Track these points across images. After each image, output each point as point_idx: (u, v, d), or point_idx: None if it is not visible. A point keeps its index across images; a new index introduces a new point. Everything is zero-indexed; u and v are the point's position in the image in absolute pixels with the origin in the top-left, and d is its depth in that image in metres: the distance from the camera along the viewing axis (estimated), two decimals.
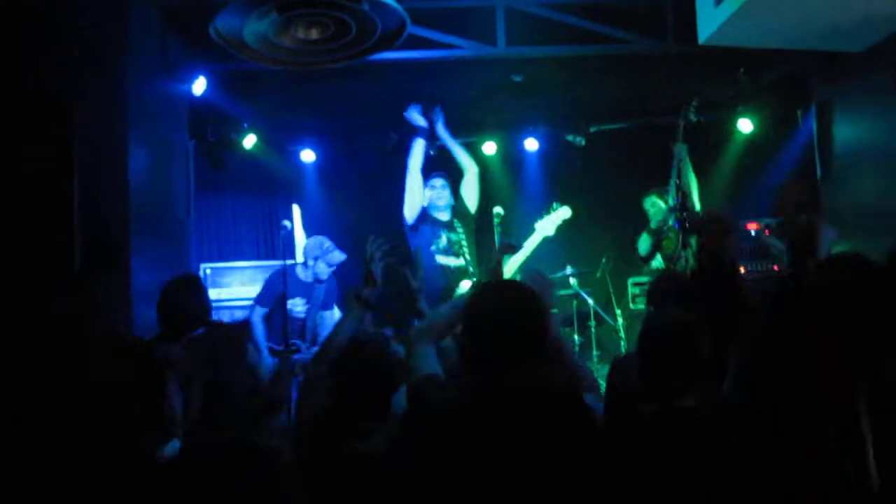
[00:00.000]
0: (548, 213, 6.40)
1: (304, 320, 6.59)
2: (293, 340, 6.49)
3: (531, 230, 6.39)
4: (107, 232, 5.02)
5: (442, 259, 6.36)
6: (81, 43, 5.01)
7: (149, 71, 5.65)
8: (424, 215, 6.44)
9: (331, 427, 2.83)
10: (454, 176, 6.60)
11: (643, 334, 2.82)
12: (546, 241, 6.43)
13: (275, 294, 6.49)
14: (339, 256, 6.48)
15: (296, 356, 6.16)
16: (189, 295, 4.23)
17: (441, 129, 6.66)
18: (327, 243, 6.57)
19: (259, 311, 6.49)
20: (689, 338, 2.70)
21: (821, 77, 6.24)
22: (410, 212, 6.41)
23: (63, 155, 4.90)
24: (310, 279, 6.58)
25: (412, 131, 6.62)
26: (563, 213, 6.37)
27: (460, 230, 6.46)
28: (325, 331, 6.42)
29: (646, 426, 2.59)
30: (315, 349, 6.27)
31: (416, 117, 6.56)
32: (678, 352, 2.67)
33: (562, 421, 2.29)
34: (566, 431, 2.27)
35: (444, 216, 6.48)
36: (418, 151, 6.44)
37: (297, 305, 6.57)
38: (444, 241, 6.39)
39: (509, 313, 2.38)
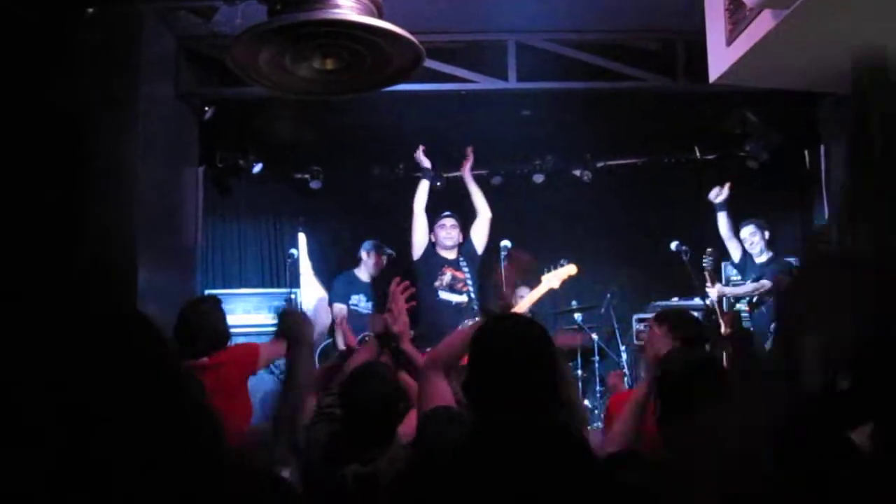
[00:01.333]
0: (556, 267, 6.61)
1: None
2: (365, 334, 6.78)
3: (537, 281, 6.58)
4: (114, 257, 5.03)
5: (445, 295, 6.49)
6: (95, 67, 5.05)
7: (161, 96, 5.69)
8: (430, 252, 6.60)
9: (338, 452, 2.85)
10: (464, 214, 6.70)
11: (662, 378, 2.76)
12: None
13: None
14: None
15: None
16: (209, 316, 4.22)
17: (467, 171, 6.91)
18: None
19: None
20: (711, 378, 2.66)
21: (830, 119, 6.26)
22: (416, 250, 6.59)
23: (72, 178, 4.92)
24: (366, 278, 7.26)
25: (418, 170, 6.90)
26: (570, 269, 6.61)
27: (465, 268, 6.62)
28: None
29: (658, 472, 2.54)
30: None
31: (422, 158, 6.70)
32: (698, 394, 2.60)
33: (568, 466, 2.27)
34: (572, 477, 2.25)
35: (451, 254, 6.66)
36: (423, 193, 6.64)
37: (361, 302, 7.13)
38: (448, 277, 6.52)
39: (517, 349, 2.34)
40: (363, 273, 7.45)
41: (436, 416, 2.48)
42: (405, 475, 2.66)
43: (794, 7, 3.97)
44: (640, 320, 7.62)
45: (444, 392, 2.59)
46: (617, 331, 7.99)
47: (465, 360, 2.89)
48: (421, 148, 6.86)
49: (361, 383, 2.94)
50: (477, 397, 2.36)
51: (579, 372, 7.78)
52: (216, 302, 4.22)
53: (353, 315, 7.05)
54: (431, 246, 6.62)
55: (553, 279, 6.61)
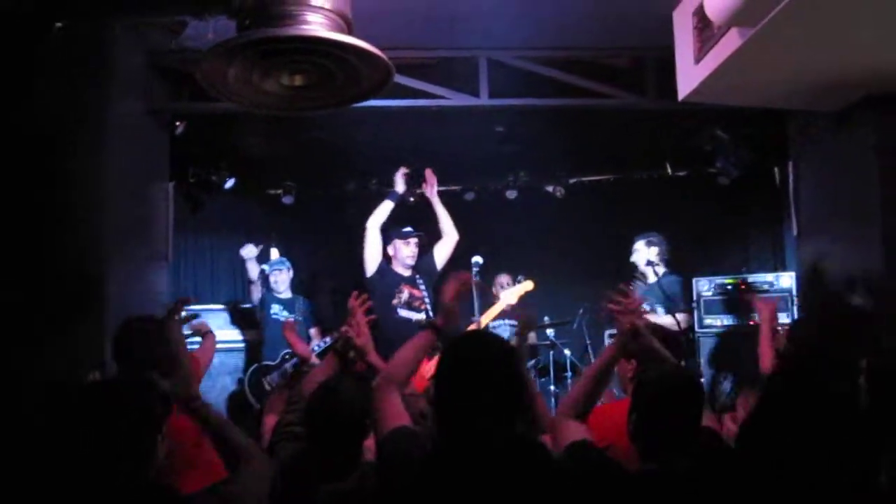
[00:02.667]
0: (512, 284, 7.02)
1: None
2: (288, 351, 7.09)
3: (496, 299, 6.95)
4: (83, 271, 4.98)
5: (404, 313, 6.40)
6: (64, 82, 5.02)
7: (131, 111, 5.66)
8: (385, 269, 6.49)
9: (304, 472, 2.82)
10: (425, 230, 6.67)
11: (639, 389, 2.75)
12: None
13: None
14: None
15: None
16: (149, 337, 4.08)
17: (433, 194, 6.80)
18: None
19: None
20: (692, 394, 2.67)
21: (798, 135, 6.32)
22: (370, 266, 6.45)
23: (42, 194, 4.88)
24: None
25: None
26: (526, 285, 6.95)
27: (422, 286, 6.55)
28: None
29: (636, 488, 2.53)
30: None
31: (399, 180, 6.64)
32: (681, 409, 2.62)
33: (536, 481, 2.26)
34: (540, 492, 2.24)
35: (407, 272, 6.57)
36: (382, 212, 6.52)
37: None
38: (406, 295, 6.44)
39: (482, 363, 2.34)
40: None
41: (395, 438, 2.45)
42: (377, 493, 2.64)
43: (761, 26, 4.02)
44: (612, 335, 7.64)
45: (398, 410, 2.56)
46: (589, 346, 8.02)
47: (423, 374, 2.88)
48: (402, 170, 6.73)
49: (328, 401, 2.91)
50: (446, 413, 2.35)
51: (552, 387, 7.79)
52: (157, 323, 4.03)
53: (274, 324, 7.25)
54: (386, 262, 6.51)
55: (510, 295, 6.86)
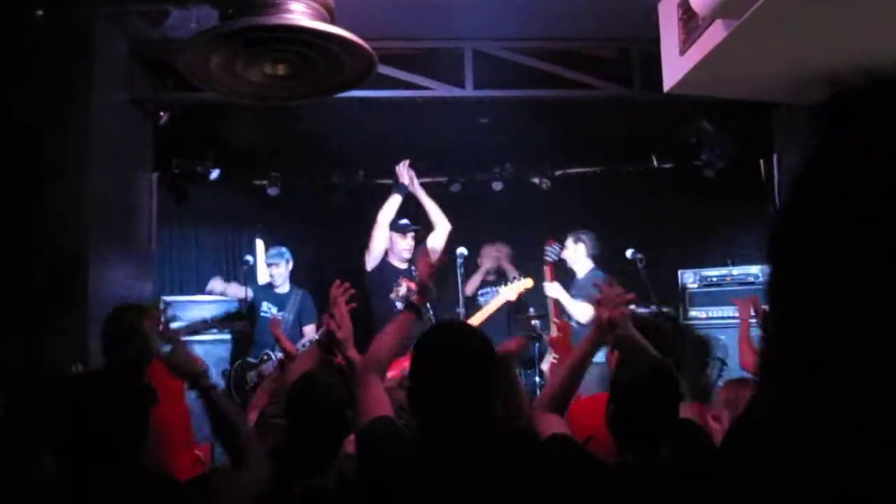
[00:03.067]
0: (512, 281, 6.94)
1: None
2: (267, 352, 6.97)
3: (495, 293, 6.98)
4: (66, 263, 4.96)
5: (401, 305, 6.22)
6: (48, 72, 4.99)
7: (114, 102, 5.62)
8: (382, 262, 6.45)
9: (283, 465, 2.80)
10: (419, 222, 6.67)
11: (617, 381, 2.75)
12: None
13: None
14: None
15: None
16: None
17: (416, 187, 6.70)
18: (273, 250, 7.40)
19: None
20: (667, 386, 2.66)
21: (782, 128, 6.34)
22: (372, 261, 6.41)
23: (25, 185, 4.86)
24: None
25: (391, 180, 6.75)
26: (526, 283, 6.91)
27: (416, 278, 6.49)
28: None
29: (613, 479, 2.53)
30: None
31: (402, 172, 6.61)
32: (655, 401, 2.61)
33: (515, 472, 2.26)
34: (520, 483, 2.24)
35: (403, 265, 6.52)
36: (392, 206, 6.46)
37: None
38: (404, 289, 6.39)
39: (457, 355, 2.33)
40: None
41: (373, 428, 2.43)
42: (355, 488, 2.63)
43: (745, 18, 4.02)
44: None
45: (379, 399, 2.54)
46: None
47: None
48: (406, 162, 6.63)
49: (307, 394, 2.89)
50: (419, 405, 2.34)
51: (537, 379, 7.79)
52: (139, 311, 4.04)
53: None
54: (384, 257, 6.48)
55: (510, 292, 6.84)
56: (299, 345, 6.72)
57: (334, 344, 3.27)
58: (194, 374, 2.96)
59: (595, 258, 7.09)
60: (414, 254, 6.54)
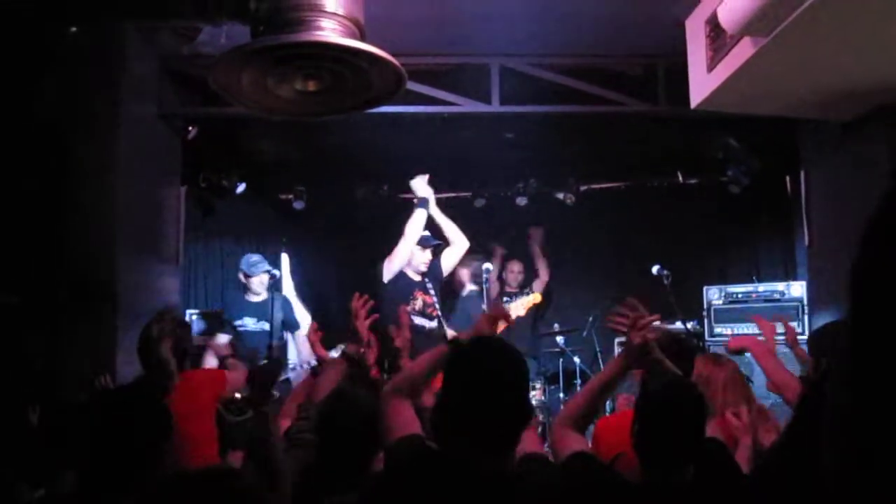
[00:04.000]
0: (520, 296, 7.03)
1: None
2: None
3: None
4: (94, 275, 5.01)
5: (418, 320, 6.30)
6: (79, 86, 5.05)
7: (143, 116, 5.68)
8: (398, 274, 6.45)
9: (313, 481, 2.80)
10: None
11: (642, 399, 2.72)
12: None
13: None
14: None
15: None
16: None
17: (433, 206, 6.75)
18: (254, 257, 7.18)
19: None
20: (693, 405, 2.63)
21: (810, 145, 6.31)
22: (390, 273, 6.40)
23: (55, 196, 4.91)
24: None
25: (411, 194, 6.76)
26: (534, 297, 7.01)
27: (432, 291, 6.54)
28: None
29: (637, 499, 2.51)
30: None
31: (419, 186, 6.63)
32: (681, 420, 2.58)
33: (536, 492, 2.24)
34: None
35: (417, 278, 6.55)
36: (419, 220, 6.50)
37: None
38: (420, 302, 6.41)
39: (490, 380, 2.26)
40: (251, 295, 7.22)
41: (400, 446, 2.38)
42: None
43: (774, 35, 4.02)
44: (622, 344, 7.62)
45: (407, 419, 2.48)
46: (599, 354, 8.00)
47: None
48: (425, 176, 6.69)
49: (338, 410, 2.88)
50: (446, 425, 2.29)
51: (561, 395, 7.78)
52: (174, 322, 4.11)
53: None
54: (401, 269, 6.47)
55: (518, 307, 6.84)
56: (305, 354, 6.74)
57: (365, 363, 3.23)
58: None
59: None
60: (430, 267, 6.59)
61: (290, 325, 7.28)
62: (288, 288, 8.17)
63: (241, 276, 7.20)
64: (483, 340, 2.60)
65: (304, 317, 8.09)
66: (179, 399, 3.98)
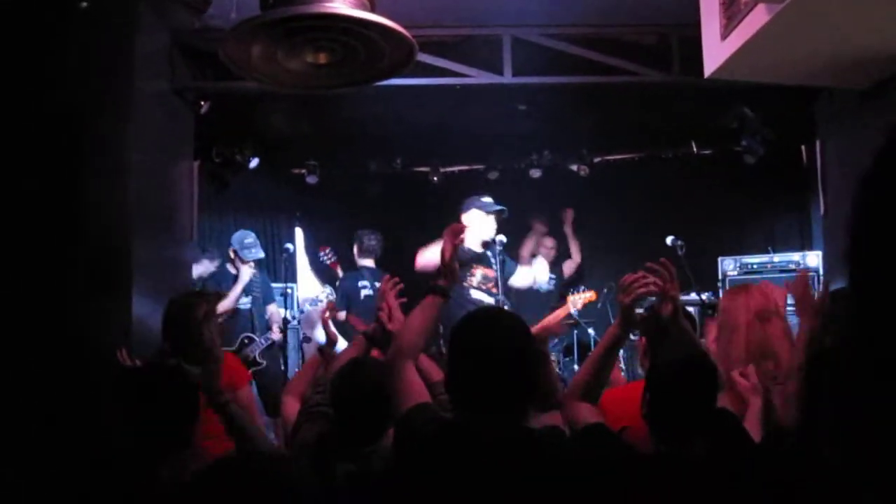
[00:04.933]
0: (579, 291, 6.74)
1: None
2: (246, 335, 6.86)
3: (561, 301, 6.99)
4: (109, 251, 5.03)
5: (477, 294, 6.00)
6: (91, 62, 5.05)
7: (155, 91, 5.68)
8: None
9: (328, 451, 2.82)
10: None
11: (653, 368, 2.73)
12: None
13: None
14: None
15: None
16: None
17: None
18: (249, 239, 7.03)
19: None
20: (704, 376, 2.62)
21: (825, 114, 6.26)
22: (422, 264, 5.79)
23: (68, 173, 4.93)
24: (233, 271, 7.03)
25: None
26: (590, 296, 6.75)
27: (495, 266, 6.01)
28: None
29: (648, 470, 2.51)
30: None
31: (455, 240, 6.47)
32: (693, 391, 2.57)
33: (549, 462, 2.25)
34: (553, 473, 2.23)
35: (478, 248, 6.14)
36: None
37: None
38: (479, 276, 6.05)
39: (495, 348, 2.30)
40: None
41: (411, 416, 2.40)
42: (391, 473, 2.63)
43: (788, 2, 3.97)
44: (638, 314, 7.62)
45: (415, 387, 2.50)
46: (620, 314, 7.98)
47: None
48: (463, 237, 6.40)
49: (349, 380, 2.91)
50: (457, 395, 2.33)
51: (576, 366, 7.78)
52: (204, 296, 4.17)
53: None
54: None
55: (577, 301, 6.70)
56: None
57: (384, 337, 3.22)
58: (212, 392, 2.97)
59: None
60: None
61: (268, 299, 7.32)
62: (302, 262, 8.17)
63: (231, 253, 7.11)
64: (484, 309, 2.61)
65: (318, 291, 8.11)
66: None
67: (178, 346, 3.76)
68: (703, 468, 2.45)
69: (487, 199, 6.25)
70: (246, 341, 6.78)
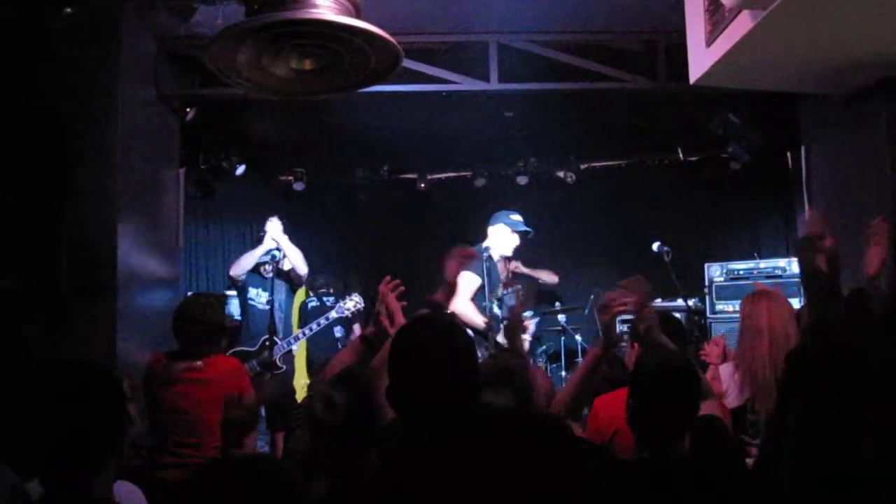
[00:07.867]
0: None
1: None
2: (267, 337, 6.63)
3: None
4: (94, 258, 5.01)
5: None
6: (76, 69, 5.03)
7: (141, 98, 5.67)
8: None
9: (313, 461, 2.80)
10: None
11: (636, 374, 2.73)
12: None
13: None
14: None
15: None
16: (207, 310, 4.43)
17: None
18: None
19: None
20: (687, 382, 2.63)
21: (810, 119, 6.28)
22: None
23: (54, 180, 4.90)
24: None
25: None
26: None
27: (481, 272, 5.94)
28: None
29: (628, 476, 2.50)
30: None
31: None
32: (675, 397, 2.59)
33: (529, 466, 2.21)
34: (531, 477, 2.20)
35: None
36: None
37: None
38: (502, 289, 6.16)
39: (427, 357, 2.17)
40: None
41: (392, 428, 2.38)
42: (374, 488, 2.58)
43: (772, 8, 3.98)
44: (624, 321, 7.63)
45: None
46: (601, 332, 7.98)
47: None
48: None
49: (343, 388, 2.88)
50: (397, 405, 2.23)
51: (563, 373, 7.79)
52: (217, 298, 4.31)
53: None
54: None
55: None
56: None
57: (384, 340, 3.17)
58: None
59: None
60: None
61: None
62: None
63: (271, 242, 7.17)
64: (421, 318, 2.55)
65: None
66: (201, 386, 4.30)
67: None
68: (685, 472, 2.46)
69: (517, 218, 6.31)
70: (266, 343, 6.63)
